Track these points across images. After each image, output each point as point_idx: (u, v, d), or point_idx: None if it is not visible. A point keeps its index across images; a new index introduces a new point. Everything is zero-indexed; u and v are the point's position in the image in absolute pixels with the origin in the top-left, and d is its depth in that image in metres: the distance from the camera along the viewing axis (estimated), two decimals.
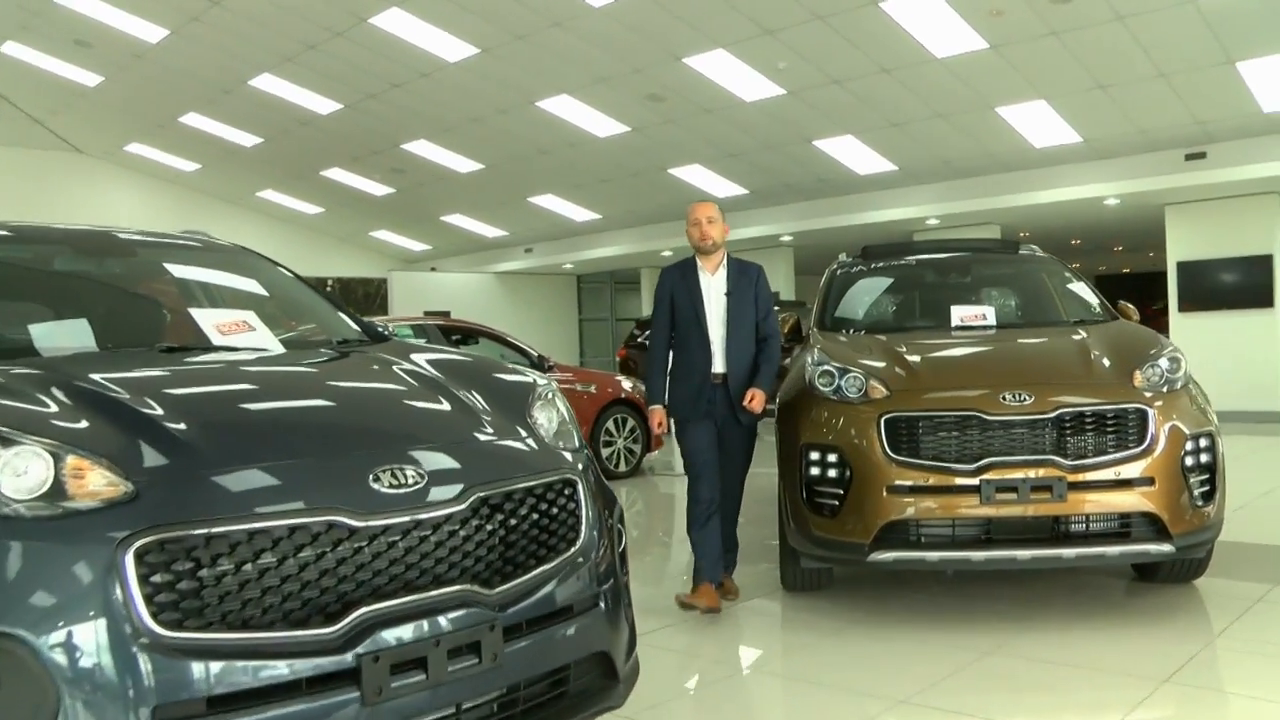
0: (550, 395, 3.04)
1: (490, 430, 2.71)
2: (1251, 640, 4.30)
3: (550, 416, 2.94)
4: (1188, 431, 4.63)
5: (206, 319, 3.36)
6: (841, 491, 4.66)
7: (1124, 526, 4.52)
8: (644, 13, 11.36)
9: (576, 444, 2.93)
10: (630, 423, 10.65)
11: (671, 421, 5.19)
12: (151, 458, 2.17)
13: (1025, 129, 13.55)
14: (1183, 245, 14.91)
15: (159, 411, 2.34)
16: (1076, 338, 5.25)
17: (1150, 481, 4.48)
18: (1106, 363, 4.87)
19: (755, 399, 4.99)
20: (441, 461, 2.48)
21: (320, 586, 2.14)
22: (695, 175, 17.02)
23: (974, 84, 12.39)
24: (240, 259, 3.99)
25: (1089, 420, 4.53)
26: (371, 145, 17.15)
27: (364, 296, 23.46)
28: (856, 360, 5.01)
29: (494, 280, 24.68)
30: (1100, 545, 4.49)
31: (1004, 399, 4.52)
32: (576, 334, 26.33)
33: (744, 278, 5.12)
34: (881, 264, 6.75)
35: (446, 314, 18.78)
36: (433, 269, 24.70)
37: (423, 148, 16.94)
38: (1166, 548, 4.49)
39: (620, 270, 24.73)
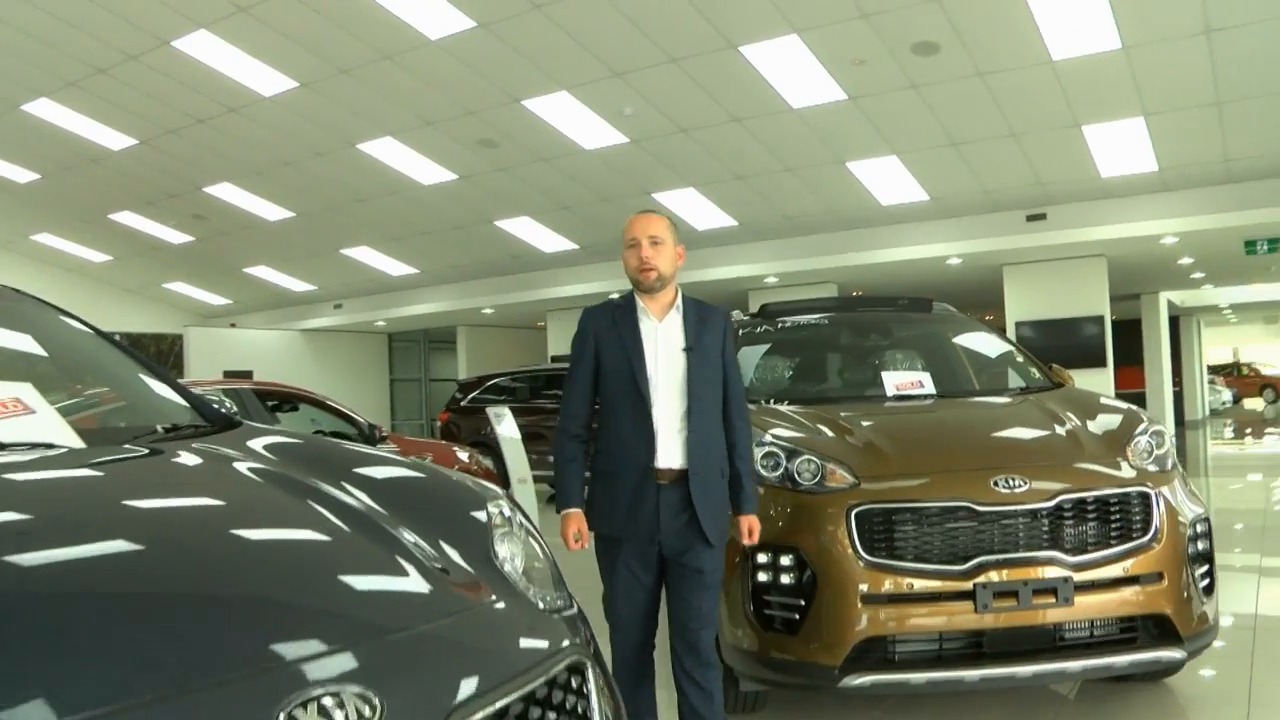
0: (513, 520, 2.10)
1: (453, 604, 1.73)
2: None
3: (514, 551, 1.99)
4: (1189, 517, 4.00)
5: None
6: (802, 602, 3.76)
7: (1130, 631, 3.82)
8: (485, 49, 10.43)
9: (562, 593, 1.97)
10: None
11: (591, 535, 3.45)
12: None
13: (874, 185, 13.28)
14: (1020, 305, 15.00)
15: None
16: (1044, 409, 4.57)
17: (1159, 577, 3.80)
18: (1091, 439, 4.20)
19: (754, 530, 3.44)
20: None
21: None
22: (523, 228, 16.13)
23: (827, 137, 12.00)
24: (9, 306, 2.80)
25: (1091, 508, 3.82)
26: (169, 187, 15.41)
27: (156, 354, 21.39)
28: (804, 439, 4.16)
29: (299, 338, 22.96)
30: (1107, 655, 3.75)
31: (996, 485, 3.76)
32: (387, 395, 24.80)
33: (707, 327, 3.40)
34: (785, 324, 5.97)
35: (249, 374, 17.16)
36: (233, 325, 22.82)
37: (227, 191, 15.35)
38: (1178, 654, 3.80)
39: (435, 329, 23.47)
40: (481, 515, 2.03)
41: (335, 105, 11.98)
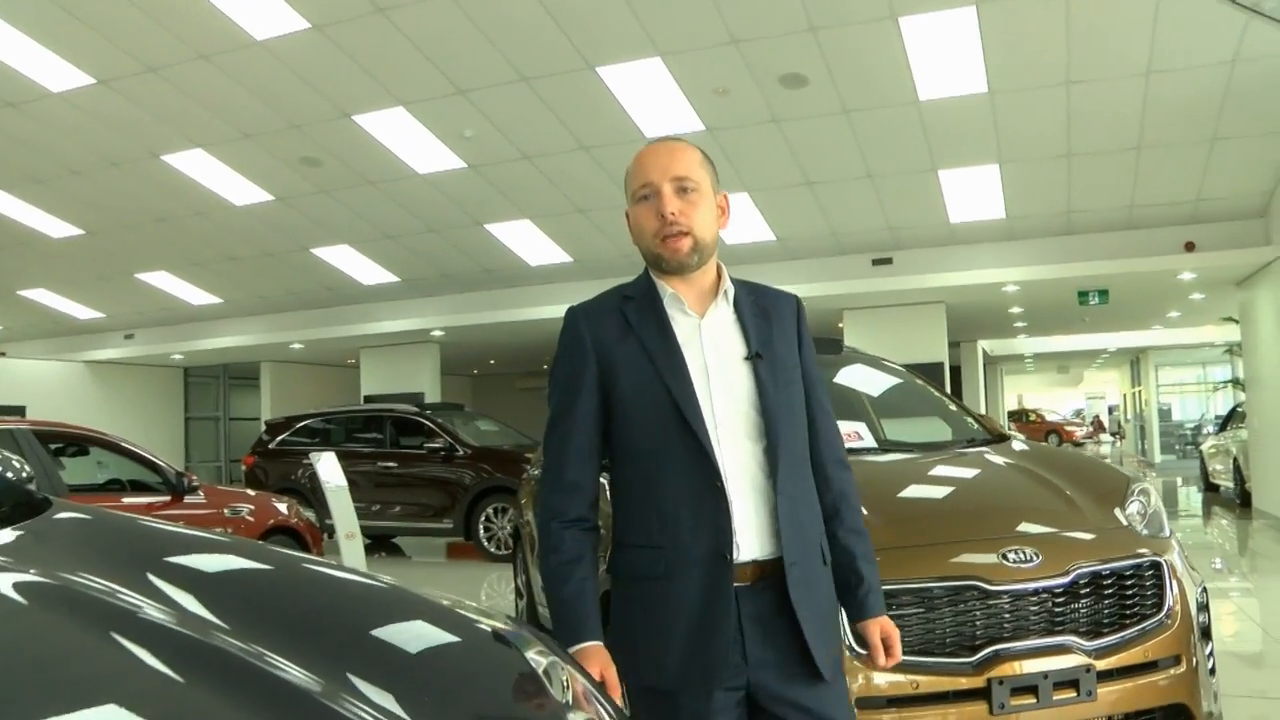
0: None
1: None
2: None
3: None
4: (1194, 588, 3.53)
5: None
6: None
7: None
8: (317, 54, 9.42)
9: None
10: None
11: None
12: None
13: (734, 224, 12.87)
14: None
15: None
16: (1020, 467, 4.02)
17: (1176, 661, 3.30)
18: (1086, 502, 3.66)
19: (894, 639, 2.10)
20: None
21: None
22: (342, 258, 14.99)
23: None
24: None
25: (1107, 583, 3.29)
26: None
27: None
28: None
29: (82, 370, 20.78)
30: None
31: (1006, 559, 3.17)
32: (181, 434, 22.80)
33: (774, 320, 2.10)
34: None
35: (20, 410, 15.25)
36: (1, 354, 20.48)
37: (1, 201, 13.60)
38: None
39: (237, 364, 21.75)
40: None
41: (138, 108, 10.61)
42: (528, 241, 14.02)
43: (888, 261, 13.06)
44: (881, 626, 2.10)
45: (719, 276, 2.11)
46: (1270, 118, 9.69)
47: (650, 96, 9.98)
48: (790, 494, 1.99)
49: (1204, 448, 18.21)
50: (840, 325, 15.17)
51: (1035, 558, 3.18)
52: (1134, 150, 10.38)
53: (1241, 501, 14.13)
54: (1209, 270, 12.60)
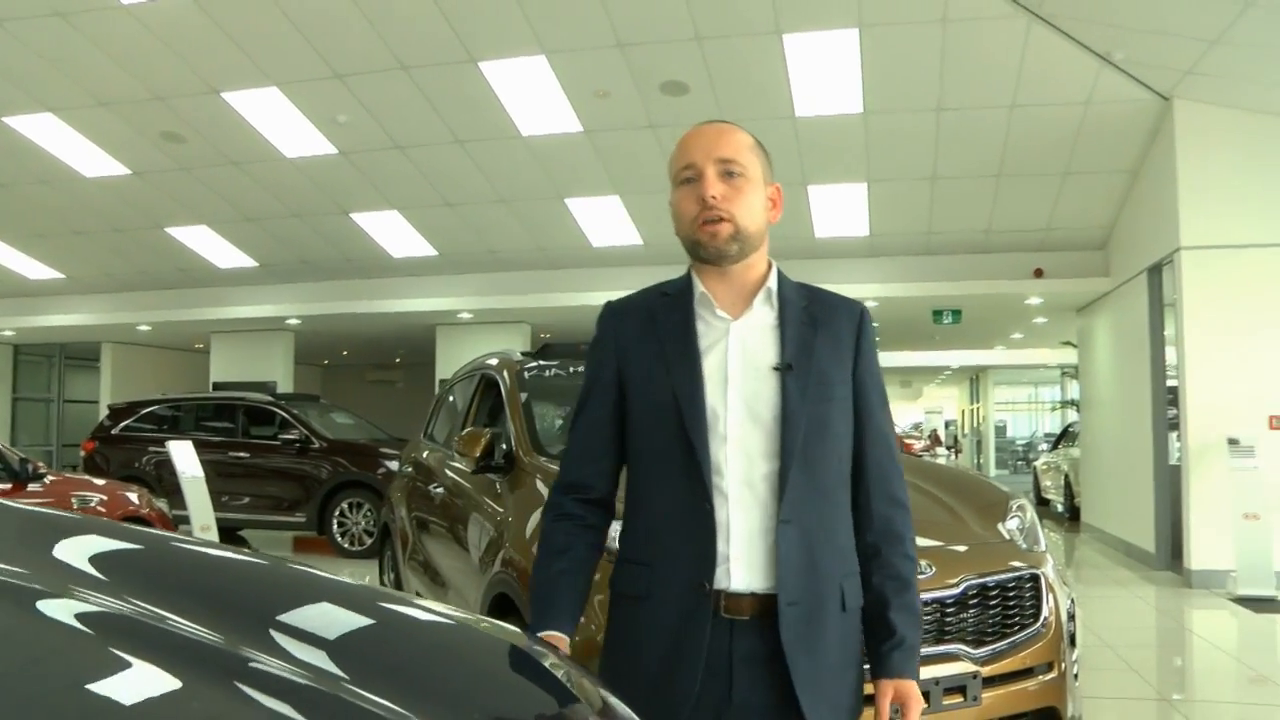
0: None
1: None
2: None
3: None
4: (1066, 598, 3.72)
5: None
6: None
7: None
8: (188, 23, 9.03)
9: None
10: None
11: None
12: None
13: (589, 225, 13.00)
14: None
15: None
16: (908, 481, 4.17)
17: (1049, 667, 3.49)
18: (970, 515, 3.82)
19: (910, 710, 1.81)
20: None
21: None
22: (198, 238, 14.39)
23: (552, 170, 11.51)
24: None
25: (993, 594, 3.44)
26: None
27: None
28: None
29: None
30: None
31: None
32: (8, 415, 21.48)
33: (823, 328, 1.88)
34: (578, 367, 5.31)
35: None
36: None
37: None
38: None
39: (75, 344, 20.64)
40: None
41: None
42: (393, 233, 13.77)
43: None
44: (898, 690, 1.83)
45: (768, 272, 1.92)
46: (1116, 157, 10.30)
47: (530, 94, 9.95)
48: (802, 524, 1.77)
49: (1037, 464, 19.18)
50: None
51: (929, 569, 3.29)
52: (994, 178, 10.86)
53: (1071, 516, 14.93)
54: (1053, 296, 13.28)
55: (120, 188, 12.65)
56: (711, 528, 1.77)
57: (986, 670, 3.28)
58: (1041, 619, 3.52)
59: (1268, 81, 8.46)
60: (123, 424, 13.09)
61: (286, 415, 12.29)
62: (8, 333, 18.98)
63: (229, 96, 10.35)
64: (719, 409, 1.81)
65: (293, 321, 16.81)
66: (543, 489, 4.00)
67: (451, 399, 6.41)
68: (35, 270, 15.98)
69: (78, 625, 1.05)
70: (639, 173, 11.40)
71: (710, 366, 1.84)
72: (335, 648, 1.14)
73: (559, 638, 1.80)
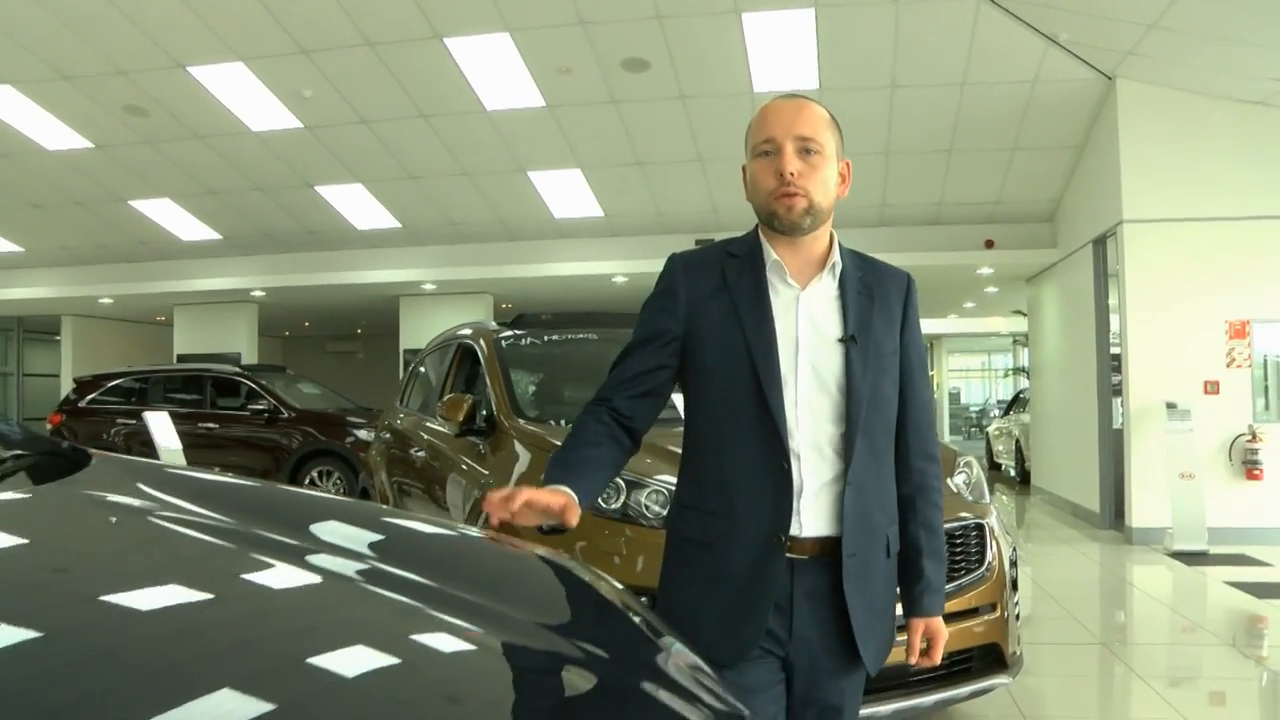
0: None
1: None
2: None
3: None
4: (1009, 547, 4.07)
5: None
6: None
7: (966, 661, 3.80)
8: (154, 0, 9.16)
9: None
10: None
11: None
12: None
13: (550, 197, 13.23)
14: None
15: None
16: None
17: (993, 608, 3.84)
18: None
19: (936, 644, 2.08)
20: None
21: None
22: (161, 211, 14.43)
23: (513, 143, 11.69)
24: None
25: None
26: None
27: None
28: (644, 466, 3.77)
29: None
30: (953, 686, 3.72)
31: None
32: None
33: (879, 300, 2.02)
34: (551, 336, 5.59)
35: None
36: None
37: None
38: (1005, 679, 3.90)
39: (34, 317, 20.53)
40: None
41: None
42: (357, 205, 13.89)
43: (710, 240, 13.58)
44: (927, 626, 2.06)
45: (832, 245, 2.02)
46: (1062, 133, 10.67)
47: (494, 70, 10.12)
48: (860, 483, 1.93)
49: (989, 430, 19.68)
50: None
51: None
52: (946, 153, 11.21)
53: (1021, 479, 15.43)
54: (1004, 267, 13.69)
55: (82, 161, 12.68)
56: (789, 484, 1.90)
57: None
58: (986, 564, 3.87)
59: (1203, 65, 8.84)
60: (89, 397, 13.16)
61: (254, 386, 12.43)
62: None
63: (194, 71, 10.43)
64: (789, 374, 1.92)
65: (257, 294, 16.87)
66: (522, 450, 4.29)
67: (424, 369, 6.64)
68: None
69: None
70: (600, 146, 11.62)
71: (782, 332, 1.94)
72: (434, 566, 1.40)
73: (568, 493, 1.83)
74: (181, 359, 16.93)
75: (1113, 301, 10.52)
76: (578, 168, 12.26)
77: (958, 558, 3.79)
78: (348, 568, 1.30)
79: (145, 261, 16.16)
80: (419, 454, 5.62)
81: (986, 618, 3.80)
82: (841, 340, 1.94)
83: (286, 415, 12.04)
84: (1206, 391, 9.40)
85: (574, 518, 1.80)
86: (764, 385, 1.91)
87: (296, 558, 1.31)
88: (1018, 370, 20.56)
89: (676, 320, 2.02)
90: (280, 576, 1.24)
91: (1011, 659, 3.90)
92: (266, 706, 0.87)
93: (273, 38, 9.69)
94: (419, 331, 16.30)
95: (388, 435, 6.59)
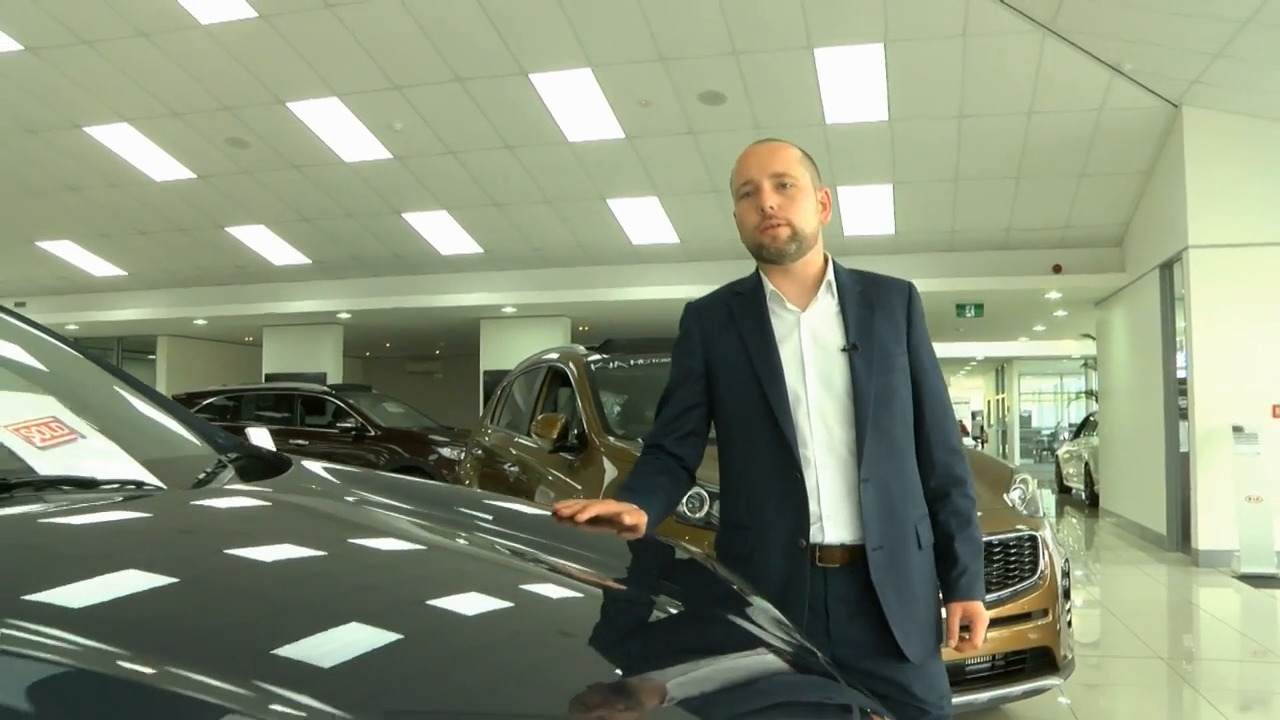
0: None
1: None
2: None
3: None
4: (1060, 558, 4.37)
5: None
6: None
7: (1019, 662, 4.11)
8: (259, 42, 9.78)
9: None
10: None
11: None
12: None
13: (628, 224, 13.64)
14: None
15: None
16: None
17: (1045, 613, 4.14)
18: (980, 486, 4.45)
19: (977, 626, 2.16)
20: None
21: None
22: (256, 237, 15.18)
23: (595, 173, 12.16)
24: None
25: (996, 551, 4.09)
26: None
27: None
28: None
29: None
30: (1006, 685, 4.05)
31: None
32: None
33: (880, 309, 2.20)
34: (638, 359, 5.98)
35: None
36: None
37: None
38: (1056, 680, 4.20)
39: (133, 336, 21.49)
40: None
41: (64, 78, 10.72)
42: (441, 231, 14.47)
43: None
44: (965, 610, 2.15)
45: (825, 266, 2.23)
46: (1129, 160, 10.86)
47: (576, 103, 10.60)
48: (879, 479, 2.08)
49: (1059, 453, 19.68)
50: None
51: None
52: (1013, 179, 11.45)
53: (1091, 503, 15.48)
54: (1072, 290, 13.83)
55: (185, 190, 13.43)
56: (803, 492, 2.08)
57: (991, 614, 3.91)
58: (1038, 573, 4.17)
59: (1268, 90, 9.01)
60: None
61: (342, 404, 13.03)
62: (71, 326, 19.84)
63: (293, 106, 11.08)
64: (799, 390, 2.13)
65: (343, 315, 17.57)
66: (610, 466, 4.69)
67: (513, 389, 7.09)
68: (99, 267, 16.84)
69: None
70: (677, 175, 12.05)
71: (787, 353, 2.15)
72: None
73: (640, 512, 2.01)
74: (269, 378, 17.68)
75: (1180, 325, 10.65)
76: (655, 195, 12.70)
77: (1012, 567, 4.11)
78: (513, 544, 1.70)
79: (238, 284, 16.95)
80: (510, 468, 6.05)
81: (1039, 622, 4.10)
82: (844, 350, 2.14)
83: (373, 433, 12.61)
84: (1274, 415, 9.49)
85: (642, 529, 2.00)
86: (772, 404, 2.12)
87: (469, 532, 1.71)
88: (1087, 393, 20.51)
89: (697, 359, 2.27)
90: (460, 547, 1.64)
91: (1062, 662, 4.19)
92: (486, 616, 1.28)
93: (367, 74, 10.27)
94: (499, 353, 16.86)
95: (479, 451, 7.04)
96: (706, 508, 4.02)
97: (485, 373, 17.22)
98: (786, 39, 9.18)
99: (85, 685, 0.88)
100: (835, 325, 2.17)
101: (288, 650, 1.03)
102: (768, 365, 2.15)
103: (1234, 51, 8.32)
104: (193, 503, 1.68)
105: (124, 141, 12.20)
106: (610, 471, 4.66)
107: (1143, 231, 11.79)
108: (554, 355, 6.38)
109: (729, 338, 2.22)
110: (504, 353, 16.73)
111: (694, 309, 2.34)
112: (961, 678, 3.92)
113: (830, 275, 2.21)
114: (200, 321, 18.26)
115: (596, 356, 5.89)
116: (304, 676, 0.98)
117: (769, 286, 2.22)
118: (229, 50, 9.98)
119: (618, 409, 5.77)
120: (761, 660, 1.44)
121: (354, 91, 10.73)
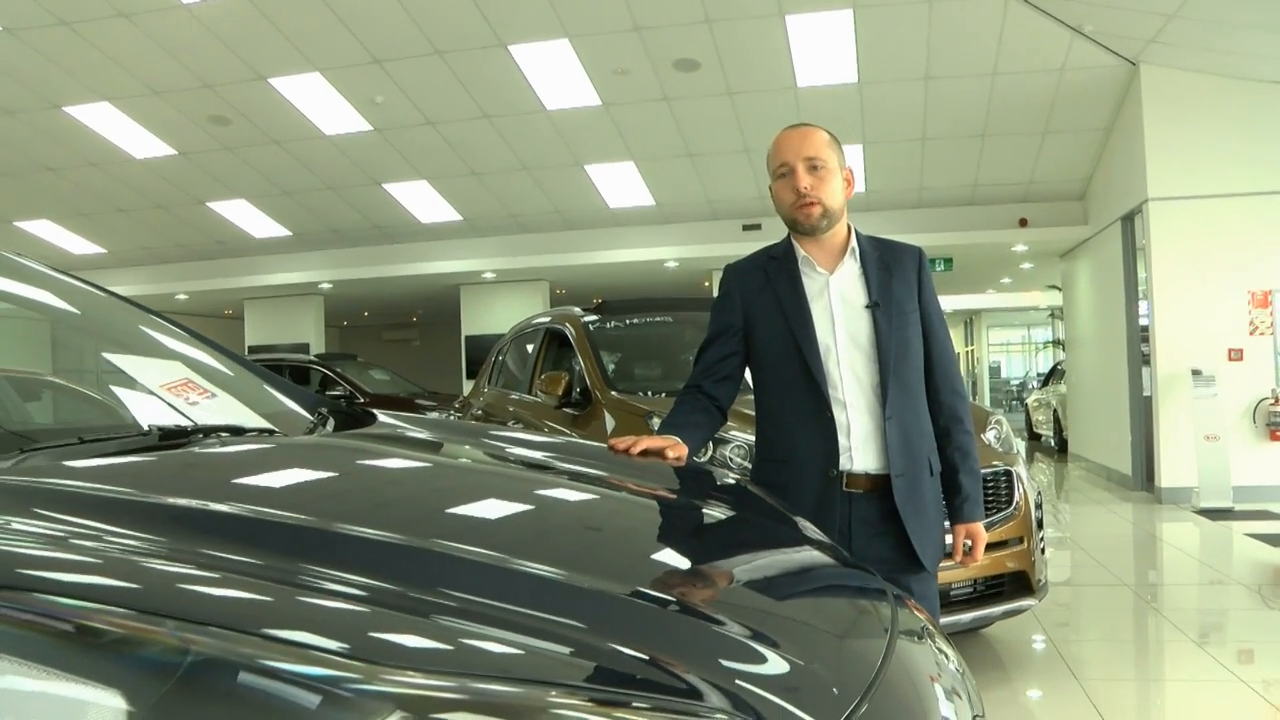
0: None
1: None
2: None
3: None
4: (1034, 491, 4.76)
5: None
6: None
7: (998, 586, 4.51)
8: (239, 19, 9.91)
9: None
10: None
11: None
12: None
13: (605, 188, 13.90)
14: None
15: None
16: None
17: (1020, 540, 4.54)
18: None
19: (978, 544, 2.59)
20: None
21: None
22: (237, 212, 15.33)
23: (571, 139, 12.41)
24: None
25: None
26: None
27: None
28: (727, 427, 4.49)
29: None
30: (987, 606, 4.46)
31: None
32: None
33: (896, 272, 2.53)
34: (631, 319, 6.32)
35: None
36: None
37: None
38: (1032, 601, 4.60)
39: None
40: None
41: (43, 59, 10.77)
42: (421, 200, 14.68)
43: (757, 227, 14.19)
44: (968, 530, 2.57)
45: (849, 235, 2.54)
46: (1090, 117, 11.24)
47: (554, 73, 10.84)
48: (899, 417, 2.44)
49: (1028, 401, 20.22)
50: (707, 284, 16.38)
51: None
52: (979, 138, 11.81)
53: (1060, 448, 16.01)
54: (1037, 243, 14.27)
55: (166, 168, 13.56)
56: (834, 429, 2.44)
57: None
58: (1014, 504, 4.56)
59: (1221, 49, 9.39)
60: None
61: (330, 373, 13.28)
62: None
63: (274, 81, 11.24)
64: (829, 341, 2.47)
65: (324, 286, 17.77)
66: (610, 418, 5.03)
67: (507, 353, 7.41)
68: (78, 246, 16.90)
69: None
70: (653, 141, 12.33)
71: (819, 311, 2.49)
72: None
73: (681, 445, 2.38)
74: (252, 350, 17.87)
75: (1141, 275, 11.08)
76: (631, 160, 12.97)
77: (990, 499, 4.49)
78: (587, 470, 2.05)
79: (219, 259, 17.10)
80: (513, 426, 6.38)
81: (1015, 549, 4.50)
82: (868, 307, 2.48)
83: (361, 400, 12.87)
84: (1231, 359, 9.96)
85: (684, 459, 2.35)
86: (804, 353, 2.47)
87: (542, 467, 2.07)
88: (1054, 343, 21.04)
89: (736, 315, 2.61)
90: (541, 474, 1.99)
91: (1037, 585, 4.59)
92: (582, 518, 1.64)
93: (348, 49, 10.46)
94: (480, 318, 17.14)
95: (479, 412, 7.36)
96: (710, 453, 4.36)
97: (467, 338, 17.51)
98: (758, 6, 9.45)
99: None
100: (859, 286, 2.51)
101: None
102: (801, 321, 2.49)
103: (1189, 12, 8.68)
104: (324, 443, 2.01)
105: (105, 120, 12.29)
106: (611, 423, 5.00)
107: (1104, 185, 12.20)
108: (548, 318, 6.69)
109: (766, 297, 2.56)
110: (485, 318, 17.04)
111: (735, 270, 2.67)
112: (947, 600, 4.31)
113: (854, 243, 2.54)
114: (182, 297, 18.39)
115: (593, 317, 6.21)
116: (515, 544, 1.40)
117: (800, 252, 2.54)
118: (210, 28, 10.13)
119: (613, 366, 6.11)
120: (810, 555, 1.80)
121: (335, 66, 10.91)
